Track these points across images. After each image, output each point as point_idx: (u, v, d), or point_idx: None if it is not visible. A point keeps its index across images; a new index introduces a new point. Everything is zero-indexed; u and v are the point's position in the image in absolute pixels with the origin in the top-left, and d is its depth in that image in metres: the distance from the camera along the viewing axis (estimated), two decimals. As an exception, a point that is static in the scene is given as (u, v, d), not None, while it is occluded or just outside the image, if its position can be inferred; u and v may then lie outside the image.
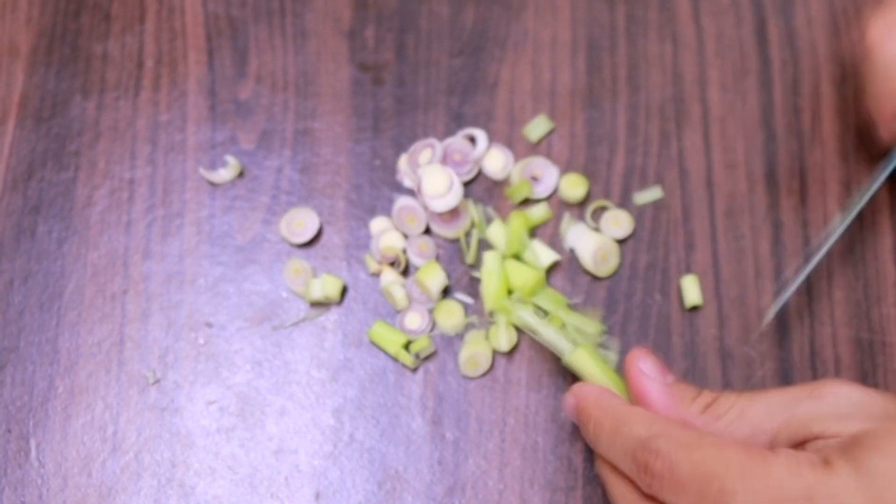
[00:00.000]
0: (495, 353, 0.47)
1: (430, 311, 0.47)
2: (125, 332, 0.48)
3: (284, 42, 0.53)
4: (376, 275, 0.48)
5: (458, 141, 0.50)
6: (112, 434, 0.46)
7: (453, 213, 0.49)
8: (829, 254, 0.48)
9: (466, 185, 0.50)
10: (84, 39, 0.53)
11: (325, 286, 0.47)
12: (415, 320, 0.47)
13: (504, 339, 0.46)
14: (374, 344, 0.47)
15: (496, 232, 0.48)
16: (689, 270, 0.48)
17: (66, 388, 0.47)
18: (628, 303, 0.48)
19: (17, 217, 0.50)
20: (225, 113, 0.51)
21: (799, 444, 0.36)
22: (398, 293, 0.47)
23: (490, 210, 0.49)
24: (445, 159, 0.49)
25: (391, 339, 0.47)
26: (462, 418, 0.46)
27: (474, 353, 0.46)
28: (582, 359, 0.42)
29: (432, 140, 0.50)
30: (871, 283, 0.48)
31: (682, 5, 0.52)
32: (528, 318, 0.45)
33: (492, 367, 0.46)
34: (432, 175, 0.48)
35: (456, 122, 0.51)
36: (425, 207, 0.49)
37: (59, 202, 0.50)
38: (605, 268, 0.48)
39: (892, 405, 0.36)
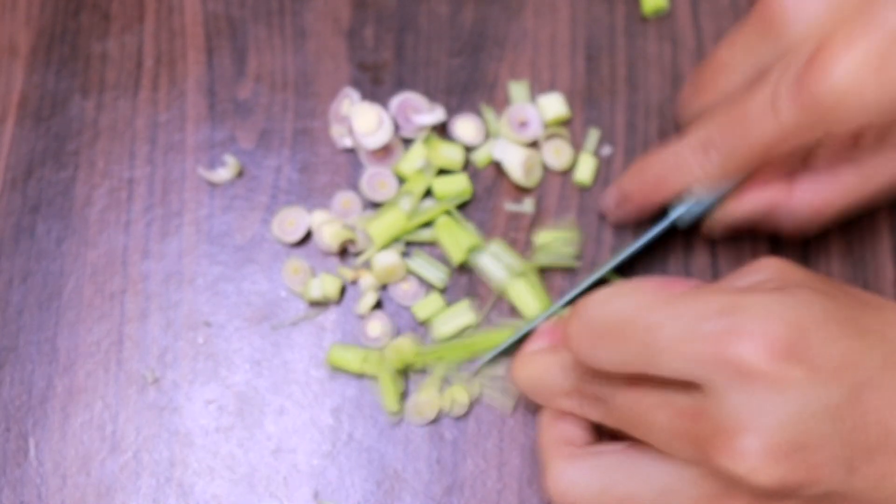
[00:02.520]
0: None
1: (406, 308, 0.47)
2: (124, 332, 0.48)
3: (283, 42, 0.53)
4: (354, 282, 0.48)
5: (416, 100, 0.50)
6: (111, 433, 0.46)
7: (386, 150, 0.49)
8: (826, 254, 0.48)
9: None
10: (83, 39, 0.53)
11: (324, 286, 0.47)
12: (375, 328, 0.47)
13: (455, 402, 0.46)
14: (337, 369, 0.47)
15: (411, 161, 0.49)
16: (688, 272, 0.48)
17: (64, 388, 0.47)
18: (627, 302, 0.48)
19: (16, 216, 0.50)
20: (224, 112, 0.51)
21: None
22: (366, 299, 0.47)
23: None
24: (397, 110, 0.50)
25: (349, 360, 0.46)
26: (460, 418, 0.46)
27: (420, 401, 0.46)
28: (518, 290, 0.45)
29: (347, 90, 0.51)
30: (870, 283, 0.48)
31: (681, 5, 0.52)
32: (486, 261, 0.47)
33: (437, 417, 0.46)
34: (362, 113, 0.48)
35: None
36: (359, 147, 0.49)
37: (58, 201, 0.50)
38: (532, 178, 0.49)
39: (812, 275, 0.38)
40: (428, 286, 0.48)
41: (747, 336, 0.33)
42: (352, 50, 0.52)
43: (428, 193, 0.49)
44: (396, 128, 0.50)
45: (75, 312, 0.48)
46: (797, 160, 0.43)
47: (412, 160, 0.49)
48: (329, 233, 0.48)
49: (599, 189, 0.49)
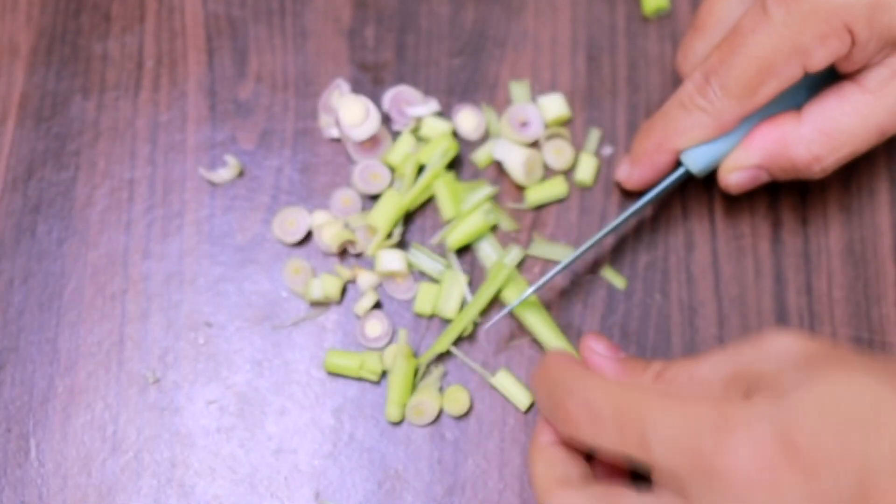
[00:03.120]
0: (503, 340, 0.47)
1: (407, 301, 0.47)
2: (125, 332, 0.48)
3: (284, 42, 0.53)
4: (353, 281, 0.48)
5: (408, 92, 0.50)
6: (112, 434, 0.46)
7: (373, 142, 0.49)
8: (827, 253, 0.48)
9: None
10: (84, 39, 0.53)
11: (325, 286, 0.47)
12: (375, 328, 0.47)
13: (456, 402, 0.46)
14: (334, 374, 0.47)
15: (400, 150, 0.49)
16: (689, 271, 0.48)
17: (65, 388, 0.47)
18: (628, 302, 0.48)
19: (17, 217, 0.50)
20: (225, 113, 0.51)
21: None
22: (364, 300, 0.47)
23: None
24: (391, 104, 0.50)
25: (345, 366, 0.46)
26: (461, 418, 0.46)
27: (420, 401, 0.46)
28: (534, 321, 0.45)
29: (338, 81, 0.51)
30: (871, 282, 0.48)
31: (682, 5, 0.52)
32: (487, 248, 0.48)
33: (438, 418, 0.46)
34: (348, 105, 0.48)
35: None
36: (347, 139, 0.49)
37: (58, 202, 0.50)
38: (533, 178, 0.49)
39: (825, 350, 0.36)
40: (420, 279, 0.48)
41: (736, 446, 0.32)
42: (352, 50, 0.52)
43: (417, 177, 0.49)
44: (390, 121, 0.50)
45: (76, 313, 0.48)
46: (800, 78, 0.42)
47: (400, 150, 0.49)
48: (329, 233, 0.48)
49: (601, 189, 0.49)
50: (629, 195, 0.49)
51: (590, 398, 0.36)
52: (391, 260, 0.47)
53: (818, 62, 0.40)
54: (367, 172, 0.49)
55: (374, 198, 0.49)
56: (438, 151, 0.48)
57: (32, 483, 0.46)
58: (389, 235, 0.48)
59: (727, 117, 0.42)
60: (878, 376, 0.33)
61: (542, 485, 0.38)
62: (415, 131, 0.50)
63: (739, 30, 0.41)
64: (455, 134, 0.50)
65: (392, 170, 0.49)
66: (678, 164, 0.45)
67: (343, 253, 0.48)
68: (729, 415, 0.33)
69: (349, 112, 0.48)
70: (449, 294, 0.47)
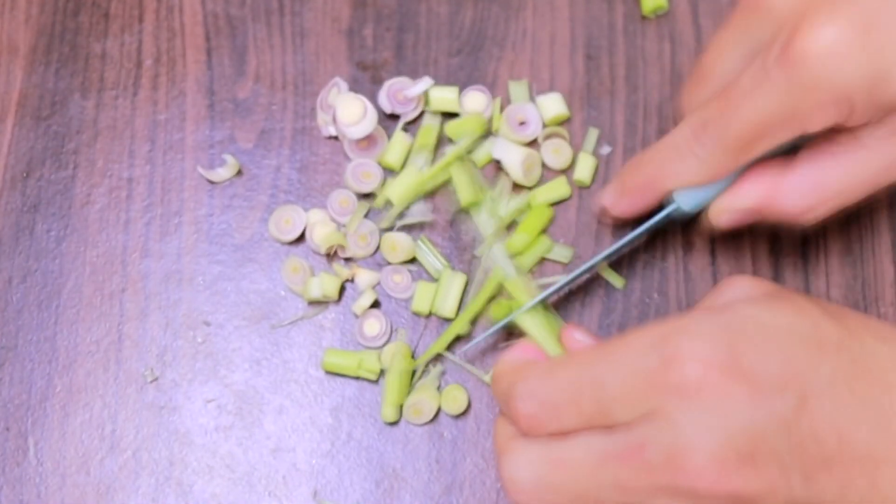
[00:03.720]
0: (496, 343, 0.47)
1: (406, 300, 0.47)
2: (123, 331, 0.48)
3: (283, 41, 0.53)
4: (351, 280, 0.48)
5: (398, 81, 0.50)
6: (110, 432, 0.46)
7: (370, 140, 0.49)
8: (825, 253, 0.48)
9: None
10: (83, 38, 0.53)
11: (324, 285, 0.47)
12: (373, 327, 0.47)
13: (454, 401, 0.46)
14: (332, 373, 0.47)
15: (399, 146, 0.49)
16: (687, 271, 0.48)
17: (64, 387, 0.47)
18: (626, 302, 0.48)
19: (15, 215, 0.50)
20: (223, 112, 0.51)
21: None
22: (362, 300, 0.47)
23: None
24: (390, 101, 0.50)
25: (343, 365, 0.46)
26: (459, 417, 0.46)
27: (418, 400, 0.46)
28: (529, 322, 0.45)
29: (336, 79, 0.51)
30: (870, 282, 0.48)
31: (681, 5, 0.52)
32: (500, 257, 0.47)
33: (436, 417, 0.46)
34: (346, 103, 0.48)
35: (454, 116, 0.51)
36: (343, 137, 0.49)
37: (57, 201, 0.50)
38: (531, 177, 0.49)
39: (774, 288, 0.38)
40: (418, 277, 0.48)
41: (681, 359, 0.33)
42: (351, 49, 0.52)
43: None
44: (396, 119, 0.50)
45: (75, 311, 0.48)
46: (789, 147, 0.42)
47: (395, 150, 0.49)
48: (320, 234, 0.48)
49: (599, 188, 0.49)
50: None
51: (537, 393, 0.37)
52: (364, 281, 0.48)
53: (816, 127, 0.40)
54: (360, 171, 0.49)
55: (367, 196, 0.49)
56: (465, 132, 0.49)
57: (31, 481, 0.46)
58: (401, 215, 0.48)
59: (719, 168, 0.42)
60: (818, 305, 0.36)
61: (497, 444, 0.39)
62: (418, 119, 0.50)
63: (741, 87, 0.40)
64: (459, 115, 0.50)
65: (385, 170, 0.49)
66: (666, 204, 0.45)
67: (333, 255, 0.48)
68: (667, 331, 0.34)
69: (346, 110, 0.48)
70: (447, 293, 0.47)
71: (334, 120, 0.49)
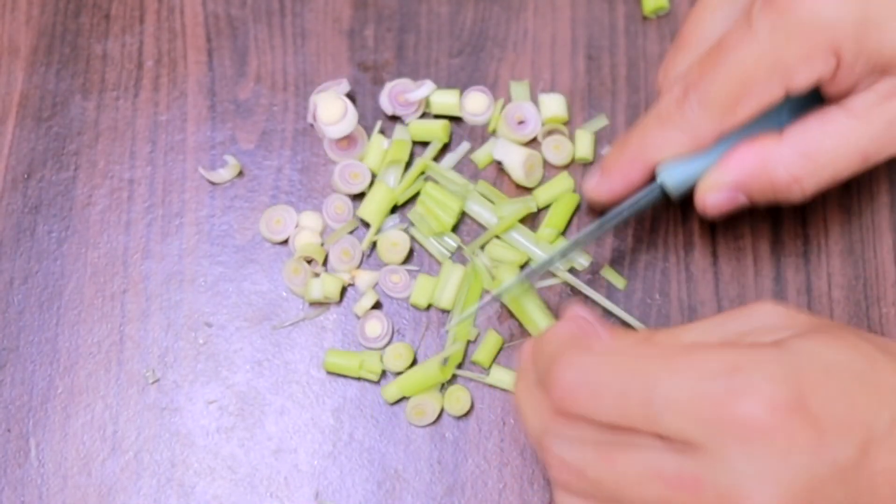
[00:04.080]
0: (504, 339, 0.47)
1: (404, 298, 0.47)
2: (125, 332, 0.48)
3: (284, 42, 0.53)
4: (352, 284, 0.48)
5: (401, 83, 0.50)
6: (112, 433, 0.46)
7: (349, 141, 0.49)
8: (827, 253, 0.48)
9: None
10: (84, 39, 0.53)
11: (325, 286, 0.47)
12: (374, 328, 0.47)
13: (457, 403, 0.46)
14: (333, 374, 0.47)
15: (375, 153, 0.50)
16: (688, 271, 0.48)
17: (65, 388, 0.47)
18: (628, 302, 0.48)
19: (16, 217, 0.50)
20: (224, 113, 0.51)
21: None
22: (363, 301, 0.47)
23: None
24: (392, 103, 0.50)
25: (345, 366, 0.46)
26: (461, 418, 0.46)
27: (421, 401, 0.46)
28: (522, 302, 0.44)
29: (341, 80, 0.51)
30: (871, 282, 0.48)
31: (682, 5, 0.52)
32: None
33: (438, 418, 0.46)
34: (327, 102, 0.48)
35: (456, 120, 0.51)
36: (323, 136, 0.49)
37: (58, 202, 0.50)
38: (533, 177, 0.49)
39: (816, 320, 0.36)
40: (415, 275, 0.48)
41: (751, 396, 0.31)
42: (352, 50, 0.52)
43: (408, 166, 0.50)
44: (397, 118, 0.50)
45: (76, 313, 0.48)
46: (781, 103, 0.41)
47: (374, 152, 0.49)
48: (300, 242, 0.48)
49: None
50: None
51: (589, 370, 0.34)
52: (364, 282, 0.48)
53: (801, 82, 0.39)
54: (348, 172, 0.49)
55: (359, 196, 0.49)
56: (430, 147, 0.49)
57: (32, 483, 0.46)
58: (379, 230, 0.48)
59: (704, 133, 0.41)
60: (867, 340, 0.34)
61: (537, 423, 0.36)
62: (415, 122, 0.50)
63: (723, 44, 0.39)
64: (462, 119, 0.50)
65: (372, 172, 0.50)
66: (653, 181, 0.43)
67: (311, 262, 0.48)
68: (739, 363, 0.32)
69: (326, 109, 0.48)
70: (446, 284, 0.47)
71: (314, 118, 0.49)
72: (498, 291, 0.46)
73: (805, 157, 0.40)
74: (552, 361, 0.35)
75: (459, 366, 0.47)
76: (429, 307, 0.48)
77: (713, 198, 0.42)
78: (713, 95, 0.40)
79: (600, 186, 0.44)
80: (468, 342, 0.47)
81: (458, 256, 0.48)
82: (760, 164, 0.41)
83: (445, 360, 0.46)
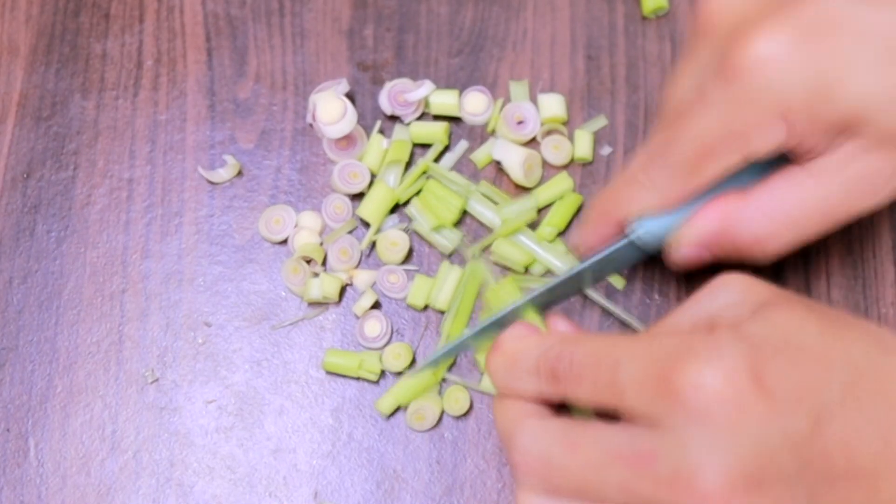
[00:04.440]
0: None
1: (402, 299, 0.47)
2: (124, 332, 0.48)
3: (283, 41, 0.53)
4: (350, 284, 0.48)
5: (400, 83, 0.50)
6: (111, 433, 0.46)
7: (349, 140, 0.49)
8: (826, 254, 0.48)
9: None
10: (83, 39, 0.53)
11: (324, 286, 0.47)
12: (374, 328, 0.47)
13: (456, 403, 0.46)
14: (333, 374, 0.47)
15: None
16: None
17: (64, 387, 0.47)
18: (627, 302, 0.48)
19: (16, 216, 0.50)
20: (224, 112, 0.51)
21: None
22: (362, 301, 0.47)
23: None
24: (391, 103, 0.50)
25: (344, 365, 0.46)
26: (460, 418, 0.46)
27: (420, 406, 0.46)
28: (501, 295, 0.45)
29: (341, 79, 0.51)
30: (870, 282, 0.48)
31: (681, 5, 0.52)
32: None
33: (439, 422, 0.46)
34: (326, 102, 0.48)
35: (455, 120, 0.51)
36: (322, 136, 0.49)
37: (58, 201, 0.50)
38: (532, 177, 0.49)
39: (771, 292, 0.37)
40: (412, 275, 0.48)
41: (704, 370, 0.32)
42: (352, 50, 0.52)
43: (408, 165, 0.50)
44: (396, 118, 0.50)
45: (75, 312, 0.48)
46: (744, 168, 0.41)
47: (373, 152, 0.49)
48: (299, 242, 0.48)
49: (599, 188, 0.49)
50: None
51: (560, 353, 0.36)
52: (363, 281, 0.48)
53: (757, 150, 0.39)
54: (347, 172, 0.49)
55: (359, 196, 0.49)
56: (431, 149, 0.49)
57: (31, 482, 0.46)
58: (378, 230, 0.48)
59: (670, 194, 0.41)
60: (816, 312, 0.35)
61: (508, 420, 0.38)
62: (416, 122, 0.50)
63: (684, 111, 0.40)
64: (462, 119, 0.51)
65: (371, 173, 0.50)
66: (624, 237, 0.43)
67: (310, 262, 0.48)
68: (694, 344, 0.34)
69: (326, 109, 0.48)
70: (442, 285, 0.47)
71: (313, 117, 0.49)
72: (490, 319, 0.44)
73: (768, 218, 0.40)
74: (523, 355, 0.38)
75: (450, 368, 0.47)
76: (425, 308, 0.48)
77: (679, 253, 0.43)
78: (674, 160, 0.40)
79: (582, 238, 0.45)
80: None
81: (456, 258, 0.48)
82: (723, 224, 0.41)
83: (437, 362, 0.45)
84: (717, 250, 0.42)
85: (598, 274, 0.44)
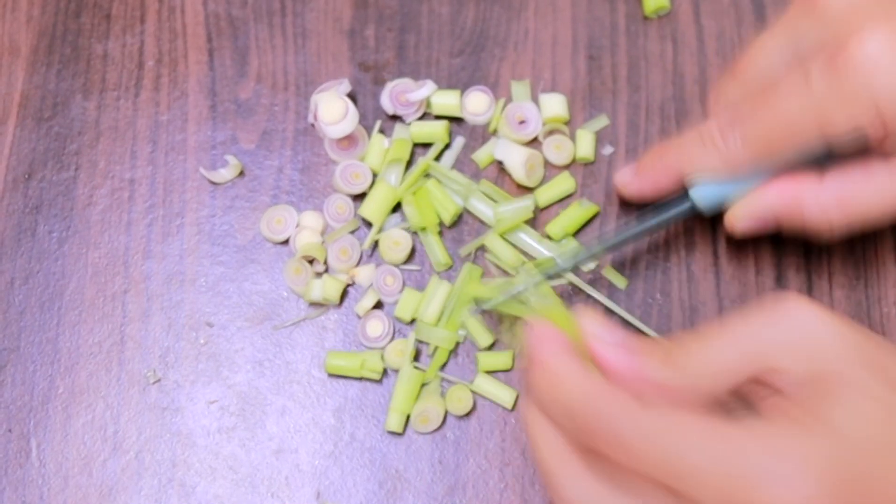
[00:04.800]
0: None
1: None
2: (126, 332, 0.48)
3: (285, 42, 0.53)
4: (351, 284, 0.48)
5: (402, 83, 0.50)
6: (113, 434, 0.46)
7: (350, 140, 0.49)
8: (828, 254, 0.48)
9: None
10: (85, 39, 0.53)
11: (325, 287, 0.47)
12: (375, 328, 0.47)
13: (459, 402, 0.46)
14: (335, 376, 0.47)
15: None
16: (689, 271, 0.48)
17: (66, 388, 0.47)
18: (629, 302, 0.48)
19: (17, 217, 0.50)
20: (225, 112, 0.51)
21: (759, 380, 0.35)
22: (364, 301, 0.47)
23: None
24: (393, 103, 0.50)
25: (346, 367, 0.46)
26: (463, 418, 0.46)
27: (425, 409, 0.46)
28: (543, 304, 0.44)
29: (342, 79, 0.51)
30: (872, 282, 0.48)
31: (683, 5, 0.52)
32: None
33: (443, 422, 0.46)
34: (327, 102, 0.48)
35: (456, 121, 0.51)
36: (324, 136, 0.49)
37: (59, 202, 0.50)
38: (534, 177, 0.49)
39: (842, 344, 0.34)
40: (411, 275, 0.48)
41: (781, 486, 0.31)
42: (353, 50, 0.52)
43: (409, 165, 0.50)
44: (398, 118, 0.50)
45: (77, 313, 0.48)
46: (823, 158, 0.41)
47: (375, 152, 0.49)
48: (301, 242, 0.48)
49: (600, 189, 0.49)
50: (627, 204, 0.49)
51: (619, 429, 0.34)
52: (364, 277, 0.48)
53: (842, 140, 0.39)
54: (349, 172, 0.49)
55: (360, 196, 0.49)
56: (432, 148, 0.49)
57: (33, 483, 0.46)
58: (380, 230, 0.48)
59: (738, 164, 0.42)
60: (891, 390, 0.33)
61: (546, 452, 0.36)
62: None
63: (778, 89, 0.40)
64: (463, 119, 0.51)
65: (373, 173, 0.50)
66: (686, 196, 0.44)
67: (312, 262, 0.48)
68: (769, 444, 0.32)
69: (327, 109, 0.48)
70: (431, 300, 0.47)
71: (315, 117, 0.49)
72: (511, 292, 0.44)
73: (842, 203, 0.42)
74: (582, 408, 0.35)
75: (443, 367, 0.47)
76: (411, 322, 0.47)
77: (745, 224, 0.44)
78: (756, 135, 0.41)
79: (631, 184, 0.46)
80: (457, 343, 0.47)
81: (446, 274, 0.48)
82: (797, 203, 0.42)
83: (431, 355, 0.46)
84: (783, 223, 0.43)
85: (649, 231, 0.45)
